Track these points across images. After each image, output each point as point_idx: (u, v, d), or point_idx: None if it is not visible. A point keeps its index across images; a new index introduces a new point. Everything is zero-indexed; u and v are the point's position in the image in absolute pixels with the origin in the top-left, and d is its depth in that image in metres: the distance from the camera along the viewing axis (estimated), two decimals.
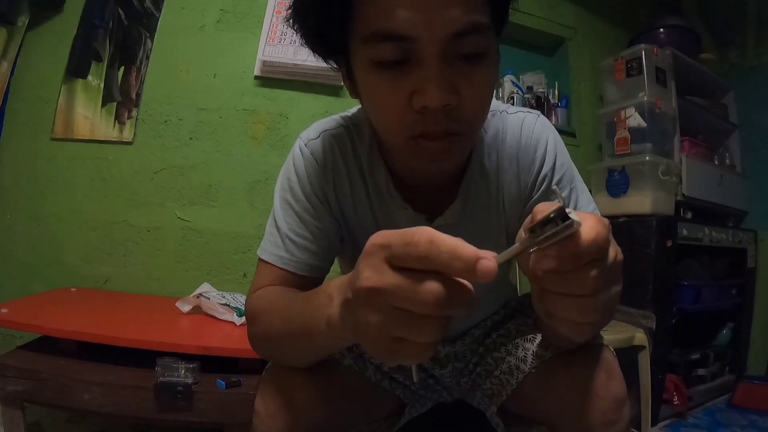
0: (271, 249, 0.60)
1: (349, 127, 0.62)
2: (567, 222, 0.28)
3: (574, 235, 0.29)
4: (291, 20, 0.50)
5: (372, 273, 0.30)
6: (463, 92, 0.45)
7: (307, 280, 0.59)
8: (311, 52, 0.53)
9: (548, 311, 0.33)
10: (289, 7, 0.49)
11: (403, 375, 0.69)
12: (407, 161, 0.53)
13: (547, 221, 0.29)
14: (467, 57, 0.44)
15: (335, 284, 0.39)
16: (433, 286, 0.28)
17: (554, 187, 0.31)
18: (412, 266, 0.29)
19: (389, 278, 0.29)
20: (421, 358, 0.31)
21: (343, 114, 0.65)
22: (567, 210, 0.28)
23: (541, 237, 0.29)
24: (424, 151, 0.48)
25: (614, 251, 0.32)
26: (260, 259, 0.61)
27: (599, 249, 0.30)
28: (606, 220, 0.32)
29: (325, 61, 0.55)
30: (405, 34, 0.42)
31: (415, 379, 0.36)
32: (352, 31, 0.47)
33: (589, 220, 0.30)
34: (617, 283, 0.33)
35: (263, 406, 0.53)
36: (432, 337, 0.30)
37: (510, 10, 0.51)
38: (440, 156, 0.49)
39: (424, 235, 0.29)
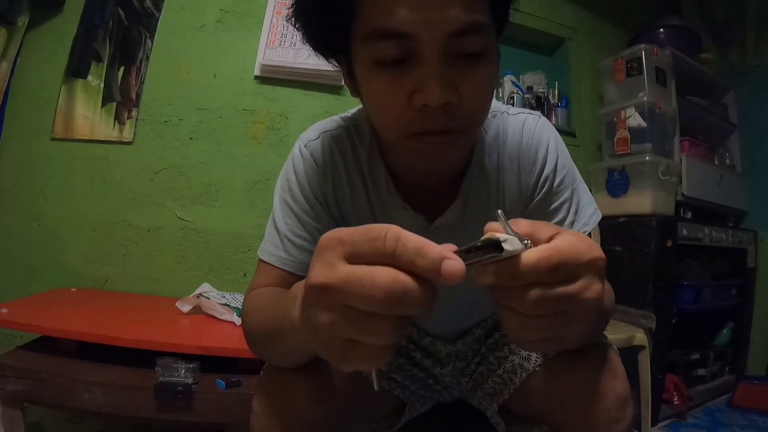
0: (270, 249, 0.60)
1: (349, 128, 0.62)
2: (492, 255, 0.29)
3: (514, 257, 0.29)
4: (293, 19, 0.50)
5: (322, 269, 0.29)
6: (463, 91, 0.45)
7: None
8: (312, 51, 0.53)
9: (497, 317, 0.33)
10: (291, 6, 0.49)
11: (401, 375, 0.69)
12: (408, 159, 0.53)
13: (479, 247, 0.29)
14: (467, 56, 0.45)
15: (301, 284, 0.38)
16: (383, 280, 0.26)
17: (498, 211, 0.31)
18: (375, 263, 0.28)
19: (340, 273, 0.28)
20: (374, 362, 0.29)
21: (343, 115, 0.65)
22: (502, 238, 0.29)
23: (470, 261, 0.29)
24: (425, 147, 0.48)
25: (587, 287, 0.32)
26: (260, 260, 0.61)
27: (539, 275, 0.30)
28: (587, 253, 0.32)
29: (326, 60, 0.55)
30: (406, 32, 0.43)
31: (375, 387, 0.35)
32: (354, 30, 0.47)
33: (536, 252, 0.30)
34: (578, 321, 0.32)
35: (260, 406, 0.53)
36: (384, 339, 0.28)
37: (511, 10, 0.51)
38: (440, 152, 0.49)
39: (392, 231, 0.28)
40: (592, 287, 0.32)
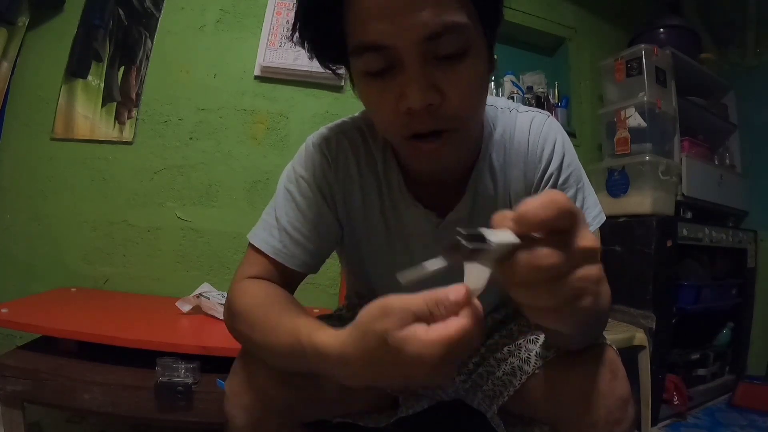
0: (265, 237, 0.59)
1: (363, 128, 0.63)
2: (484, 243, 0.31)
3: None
4: (293, 38, 0.51)
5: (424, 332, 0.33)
6: (446, 91, 0.46)
7: (296, 275, 0.60)
8: (319, 64, 0.54)
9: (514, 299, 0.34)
10: (291, 28, 0.51)
11: None
12: (407, 161, 0.54)
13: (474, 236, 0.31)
14: (448, 56, 0.45)
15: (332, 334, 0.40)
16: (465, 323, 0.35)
17: (459, 230, 0.31)
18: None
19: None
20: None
21: (355, 116, 0.65)
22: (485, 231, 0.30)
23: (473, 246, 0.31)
24: (420, 151, 0.50)
25: (583, 237, 0.30)
26: (251, 244, 0.60)
27: (548, 216, 0.29)
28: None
29: (333, 71, 0.56)
30: (383, 44, 0.44)
31: None
32: (347, 45, 0.49)
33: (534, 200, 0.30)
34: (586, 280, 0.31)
35: (230, 386, 0.56)
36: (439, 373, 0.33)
37: (503, 2, 0.51)
38: (434, 154, 0.50)
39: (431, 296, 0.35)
40: (587, 237, 0.31)
